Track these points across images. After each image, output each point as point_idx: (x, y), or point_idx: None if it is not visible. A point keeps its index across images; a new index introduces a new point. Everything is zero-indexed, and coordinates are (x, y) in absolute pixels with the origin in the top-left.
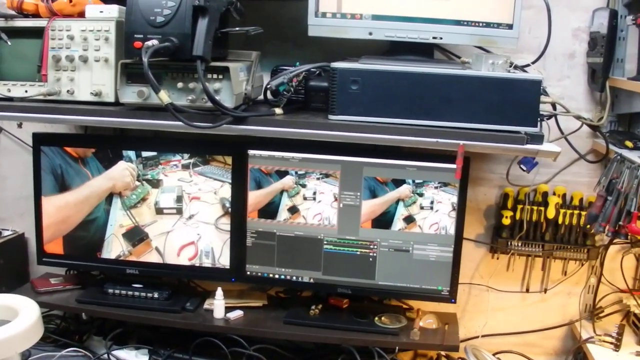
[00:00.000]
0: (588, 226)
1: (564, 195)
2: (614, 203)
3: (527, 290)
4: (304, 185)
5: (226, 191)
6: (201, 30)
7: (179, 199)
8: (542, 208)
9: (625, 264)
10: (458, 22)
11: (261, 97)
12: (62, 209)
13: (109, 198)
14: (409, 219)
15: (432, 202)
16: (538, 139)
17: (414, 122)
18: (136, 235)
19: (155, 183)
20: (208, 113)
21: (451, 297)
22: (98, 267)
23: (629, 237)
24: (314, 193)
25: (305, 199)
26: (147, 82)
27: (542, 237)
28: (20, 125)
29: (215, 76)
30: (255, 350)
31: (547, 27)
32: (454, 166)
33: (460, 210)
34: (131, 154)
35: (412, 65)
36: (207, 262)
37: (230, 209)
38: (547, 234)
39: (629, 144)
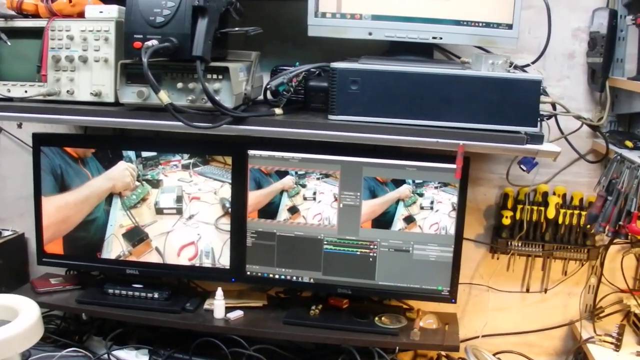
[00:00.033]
0: (588, 226)
1: (564, 195)
2: (614, 203)
3: (527, 291)
4: (304, 186)
5: (226, 191)
6: (201, 31)
7: (179, 199)
8: (542, 208)
9: (625, 264)
10: (458, 22)
11: (261, 97)
12: (62, 209)
13: (109, 198)
14: (409, 219)
15: (432, 202)
16: (538, 139)
17: (413, 122)
18: (136, 236)
19: (155, 183)
20: (208, 113)
21: (451, 297)
22: (98, 267)
23: (629, 237)
24: (314, 193)
25: (305, 199)
26: (146, 82)
27: (542, 237)
28: (20, 126)
29: (214, 76)
30: (255, 350)
31: (547, 27)
32: (454, 166)
33: (460, 210)
34: (131, 154)
35: (412, 65)
36: (207, 262)
37: (230, 209)
38: (547, 234)
39: (629, 144)
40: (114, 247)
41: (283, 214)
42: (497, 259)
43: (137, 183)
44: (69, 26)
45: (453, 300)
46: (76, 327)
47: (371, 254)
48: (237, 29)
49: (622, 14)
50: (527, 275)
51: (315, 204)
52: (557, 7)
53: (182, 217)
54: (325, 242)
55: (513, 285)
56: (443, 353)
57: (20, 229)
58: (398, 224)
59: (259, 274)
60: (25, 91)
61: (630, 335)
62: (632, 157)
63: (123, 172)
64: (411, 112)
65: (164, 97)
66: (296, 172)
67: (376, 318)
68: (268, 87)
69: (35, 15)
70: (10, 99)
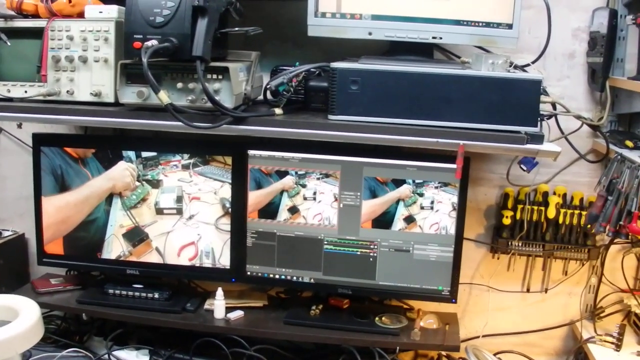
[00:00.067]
0: (589, 226)
1: (565, 195)
2: (615, 203)
3: (528, 290)
4: (304, 186)
5: (226, 191)
6: (201, 31)
7: (179, 199)
8: (543, 208)
9: (626, 263)
10: (458, 22)
11: (261, 97)
12: (62, 209)
13: (109, 198)
14: (409, 219)
15: (432, 202)
16: (538, 138)
17: (414, 122)
18: (136, 236)
19: (155, 183)
20: (208, 113)
21: (452, 297)
22: (98, 267)
23: (629, 237)
24: (314, 193)
25: (305, 199)
26: (146, 82)
27: (543, 237)
28: (20, 126)
29: (214, 76)
30: (256, 350)
31: (547, 27)
32: (454, 166)
33: (461, 210)
34: (131, 154)
35: (412, 65)
36: (207, 263)
37: (230, 209)
38: (547, 233)
39: (629, 143)
40: (114, 247)
41: (283, 214)
42: (498, 258)
43: (137, 183)
44: (69, 26)
45: (453, 300)
46: (77, 327)
47: (371, 254)
48: (237, 29)
49: (622, 13)
50: (528, 275)
51: (316, 204)
52: (557, 7)
53: (182, 217)
54: (325, 242)
55: (513, 285)
56: (443, 353)
57: (21, 229)
58: (398, 224)
59: (259, 274)
60: (25, 91)
61: (631, 335)
62: (633, 157)
63: (123, 172)
64: (411, 112)
65: (164, 97)
66: (296, 172)
67: (377, 318)
68: (268, 87)
69: (35, 16)
70: (10, 99)
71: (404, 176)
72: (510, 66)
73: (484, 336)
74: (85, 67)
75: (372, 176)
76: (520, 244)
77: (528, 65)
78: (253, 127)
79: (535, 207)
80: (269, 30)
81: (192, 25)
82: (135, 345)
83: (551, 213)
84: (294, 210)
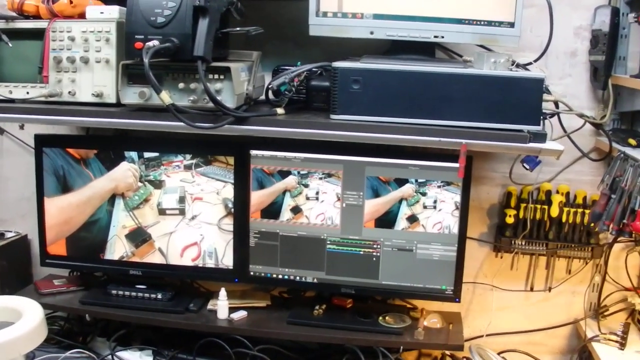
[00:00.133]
0: (592, 224)
1: (568, 194)
2: (618, 201)
3: (532, 289)
4: (306, 185)
5: (229, 191)
6: (202, 31)
7: (182, 200)
8: (546, 206)
9: (629, 262)
10: (460, 21)
11: (262, 97)
12: (65, 210)
13: (112, 199)
14: (412, 219)
15: (435, 201)
16: (541, 137)
17: (416, 121)
18: (139, 236)
19: (158, 184)
20: (209, 113)
21: (455, 297)
22: (101, 268)
23: (633, 235)
24: (317, 193)
25: (307, 198)
26: (148, 82)
27: (546, 236)
28: (22, 127)
29: (216, 76)
30: (259, 350)
31: (548, 26)
32: (456, 165)
33: (464, 209)
34: (133, 154)
35: (414, 64)
36: (210, 263)
37: (232, 210)
38: (550, 232)
39: (632, 141)
40: (117, 248)
41: (286, 214)
42: (501, 257)
43: (140, 184)
44: (70, 27)
45: (457, 300)
46: (80, 328)
47: (374, 254)
48: (238, 28)
49: (624, 11)
50: (531, 274)
51: (318, 203)
52: (559, 5)
53: (184, 218)
54: (328, 242)
55: (517, 284)
56: (447, 352)
57: (23, 230)
58: (401, 223)
59: (262, 274)
60: (27, 92)
61: (635, 334)
62: (636, 155)
63: (125, 172)
64: (413, 111)
65: (165, 97)
66: (298, 172)
67: (380, 318)
68: (270, 86)
69: (36, 17)
70: (12, 101)
71: (406, 175)
72: (512, 65)
73: (487, 335)
74: (87, 68)
75: (375, 175)
76: (523, 243)
77: (530, 63)
78: (255, 127)
79: (539, 206)
80: (270, 30)
81: (193, 25)
82: (138, 346)
83: (554, 212)
84: (296, 210)
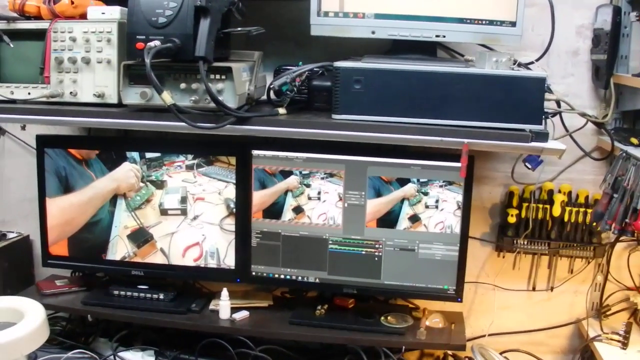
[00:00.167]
0: (594, 224)
1: (570, 193)
2: (620, 200)
3: (534, 289)
4: (308, 185)
5: (230, 192)
6: (203, 31)
7: (184, 200)
8: (548, 206)
9: (632, 261)
10: (461, 20)
11: (264, 97)
12: (67, 211)
13: (114, 199)
14: (414, 218)
15: (437, 201)
16: (543, 136)
17: (417, 120)
18: (141, 237)
19: (160, 184)
20: (211, 114)
21: (457, 296)
22: (103, 268)
23: (635, 234)
24: (319, 193)
25: (309, 198)
26: (149, 83)
27: (548, 235)
28: (23, 128)
29: (217, 76)
30: (261, 351)
31: (550, 25)
32: (458, 165)
33: (466, 208)
34: (135, 155)
35: (415, 64)
36: (212, 263)
37: (234, 210)
38: (552, 232)
39: (634, 140)
40: (119, 249)
41: (288, 214)
42: (503, 257)
43: (142, 184)
44: (72, 28)
45: (459, 299)
46: (82, 328)
47: (376, 254)
48: (239, 29)
49: (626, 10)
50: (533, 274)
51: (320, 203)
52: (561, 4)
53: (186, 218)
54: (330, 242)
55: (519, 283)
56: (449, 352)
57: (25, 231)
58: (403, 223)
59: (264, 274)
60: (29, 93)
61: (638, 333)
62: (638, 154)
63: (127, 173)
64: (415, 111)
65: (167, 97)
66: (300, 172)
67: (382, 317)
68: (271, 86)
69: (38, 17)
70: (14, 101)
71: (408, 175)
72: (514, 64)
73: (490, 335)
74: (88, 69)
75: (377, 175)
76: (525, 243)
77: (532, 63)
78: (257, 127)
79: (541, 205)
80: (272, 30)
81: (194, 25)
82: (140, 346)
83: (556, 211)
84: (298, 210)
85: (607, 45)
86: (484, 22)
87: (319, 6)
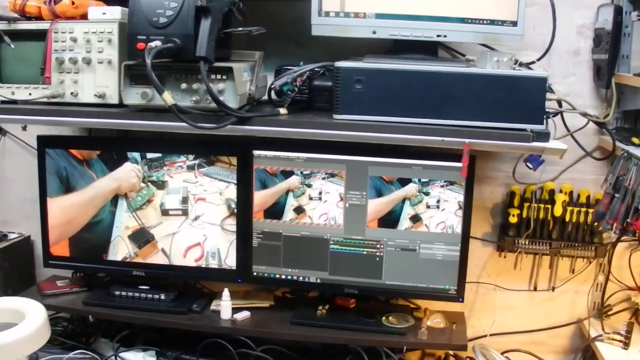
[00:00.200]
0: (595, 224)
1: (571, 193)
2: (621, 200)
3: (535, 289)
4: (309, 185)
5: (231, 192)
6: (204, 31)
7: (185, 200)
8: (549, 206)
9: (633, 261)
10: (462, 20)
11: (265, 97)
12: (68, 211)
13: (114, 200)
14: (416, 218)
15: (438, 201)
16: (544, 136)
17: (419, 120)
18: (142, 237)
19: (161, 184)
20: (212, 114)
21: (458, 296)
22: (104, 269)
23: (636, 234)
24: (320, 193)
25: (310, 199)
26: (150, 83)
27: (550, 235)
28: (24, 128)
29: (218, 77)
30: (263, 351)
31: (551, 24)
32: (459, 165)
33: (467, 208)
34: (136, 155)
35: (417, 63)
36: (213, 263)
37: (235, 210)
38: (554, 231)
39: (635, 140)
40: (120, 249)
41: (289, 214)
42: (504, 257)
43: (143, 184)
44: (72, 28)
45: (460, 299)
46: (83, 329)
47: (378, 254)
48: (240, 29)
49: (627, 9)
50: (535, 274)
51: (321, 203)
52: (562, 4)
53: (187, 218)
54: (331, 242)
55: (520, 283)
56: (451, 352)
57: (26, 231)
58: (404, 223)
59: (266, 275)
60: (30, 93)
61: (639, 333)
62: (639, 154)
63: (128, 173)
64: (416, 111)
65: (168, 98)
66: (301, 172)
67: (383, 318)
68: (272, 87)
69: (38, 18)
70: (15, 102)
71: (409, 175)
72: (515, 64)
73: (491, 335)
74: (89, 69)
75: (378, 175)
76: (526, 242)
77: (533, 62)
78: (258, 127)
79: (542, 205)
80: (272, 30)
81: (195, 25)
82: (141, 347)
83: (558, 211)
84: (299, 210)
85: (609, 45)
86: (485, 21)
87: (320, 6)
